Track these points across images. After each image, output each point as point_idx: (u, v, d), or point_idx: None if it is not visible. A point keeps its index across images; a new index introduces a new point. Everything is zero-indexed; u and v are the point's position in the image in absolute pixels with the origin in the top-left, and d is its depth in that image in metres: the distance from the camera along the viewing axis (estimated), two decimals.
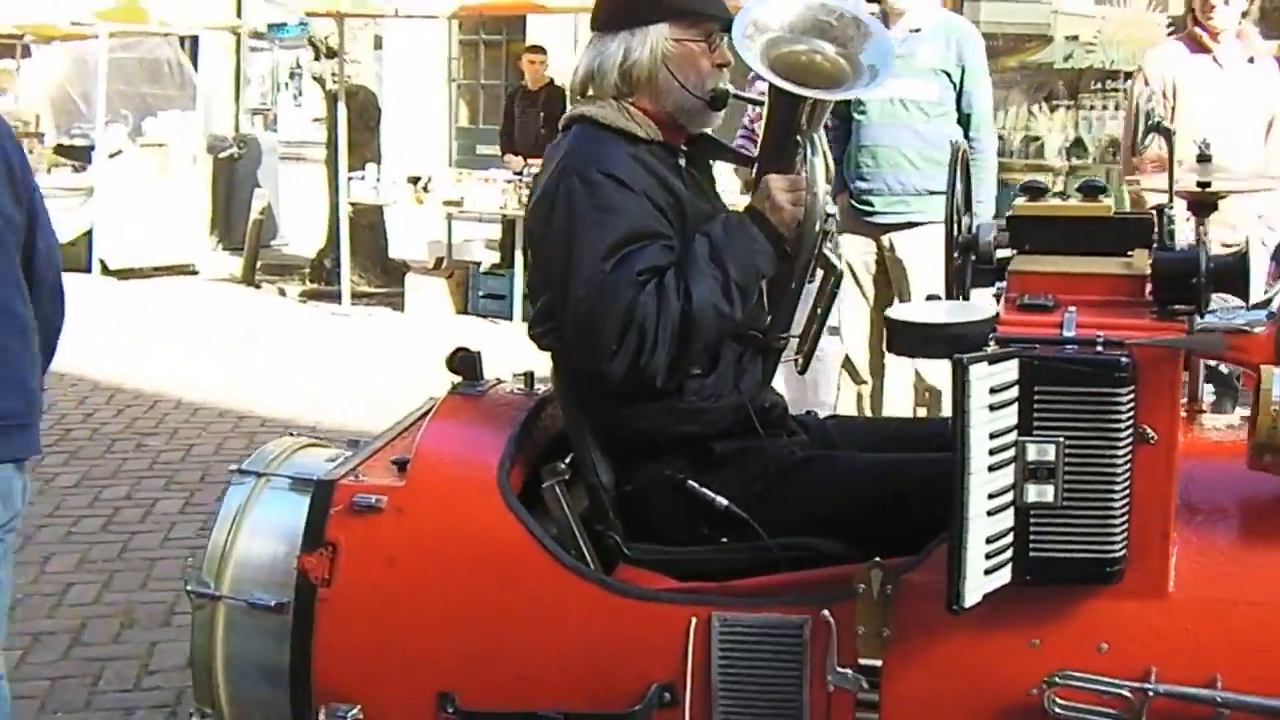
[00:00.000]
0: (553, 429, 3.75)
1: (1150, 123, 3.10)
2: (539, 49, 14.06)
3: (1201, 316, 3.06)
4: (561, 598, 3.35)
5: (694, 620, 3.27)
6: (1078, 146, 11.54)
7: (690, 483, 3.42)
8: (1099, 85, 11.98)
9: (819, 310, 3.67)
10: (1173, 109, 6.51)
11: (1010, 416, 2.96)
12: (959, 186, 3.50)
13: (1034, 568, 3.03)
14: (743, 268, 3.39)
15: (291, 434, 4.05)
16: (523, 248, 4.21)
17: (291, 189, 18.80)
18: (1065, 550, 3.02)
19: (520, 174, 13.13)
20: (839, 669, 3.16)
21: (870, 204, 6.95)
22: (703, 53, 3.58)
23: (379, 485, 3.49)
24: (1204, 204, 3.50)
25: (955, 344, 3.00)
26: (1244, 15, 6.90)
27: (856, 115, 6.97)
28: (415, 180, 14.51)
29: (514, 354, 4.04)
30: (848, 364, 7.24)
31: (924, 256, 6.51)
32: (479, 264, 14.57)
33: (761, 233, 3.44)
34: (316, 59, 16.30)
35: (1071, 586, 3.09)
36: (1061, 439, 2.97)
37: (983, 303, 3.13)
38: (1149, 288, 3.16)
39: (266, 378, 10.87)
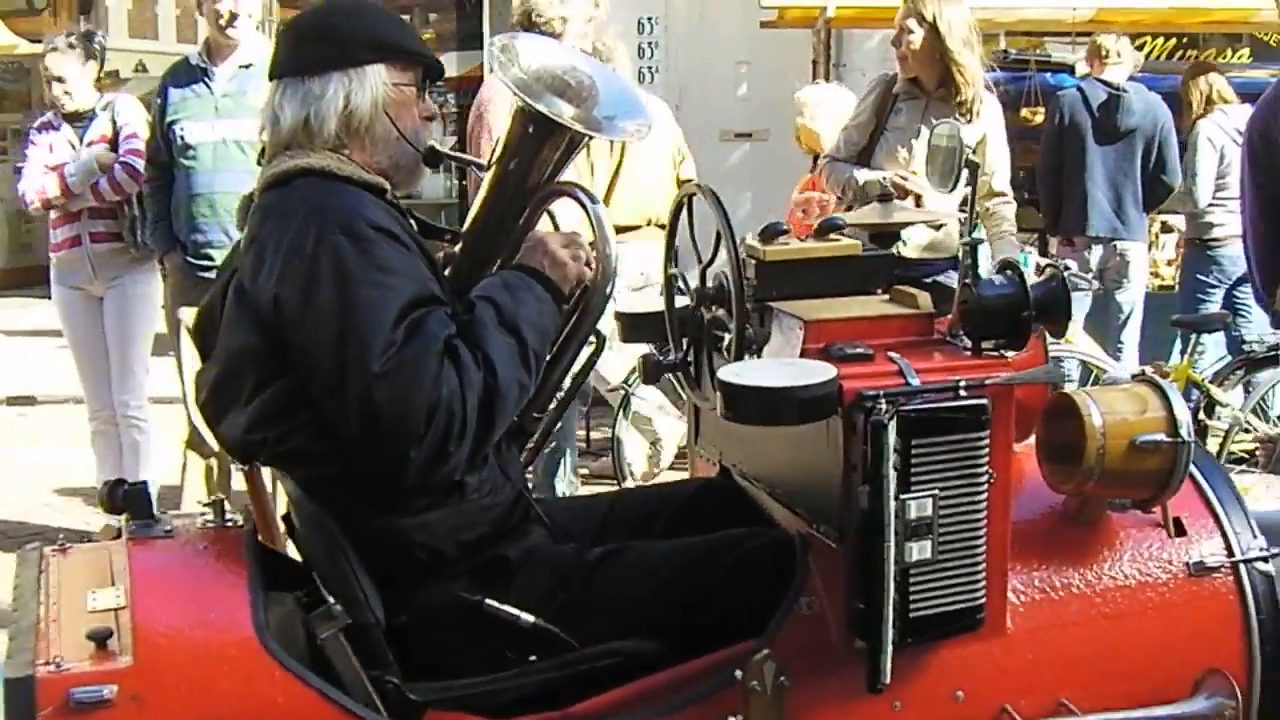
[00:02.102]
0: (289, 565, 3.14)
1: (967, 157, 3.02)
2: None
3: (1017, 350, 3.04)
4: None
5: None
6: None
7: (489, 602, 2.96)
8: None
9: (575, 386, 3.31)
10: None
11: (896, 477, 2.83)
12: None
13: (914, 628, 2.92)
14: (537, 331, 2.98)
15: None
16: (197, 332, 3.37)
17: None
18: (940, 605, 2.94)
19: None
20: None
21: (210, 257, 6.39)
22: (415, 100, 3.14)
23: (98, 672, 2.72)
24: (885, 235, 3.49)
25: (809, 408, 2.82)
26: None
27: (185, 161, 6.40)
28: None
29: None
30: (194, 436, 6.64)
31: None
32: None
33: (546, 292, 3.05)
34: None
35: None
36: (937, 491, 2.86)
37: (812, 362, 2.93)
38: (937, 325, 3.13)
39: None
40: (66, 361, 7.61)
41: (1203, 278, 8.70)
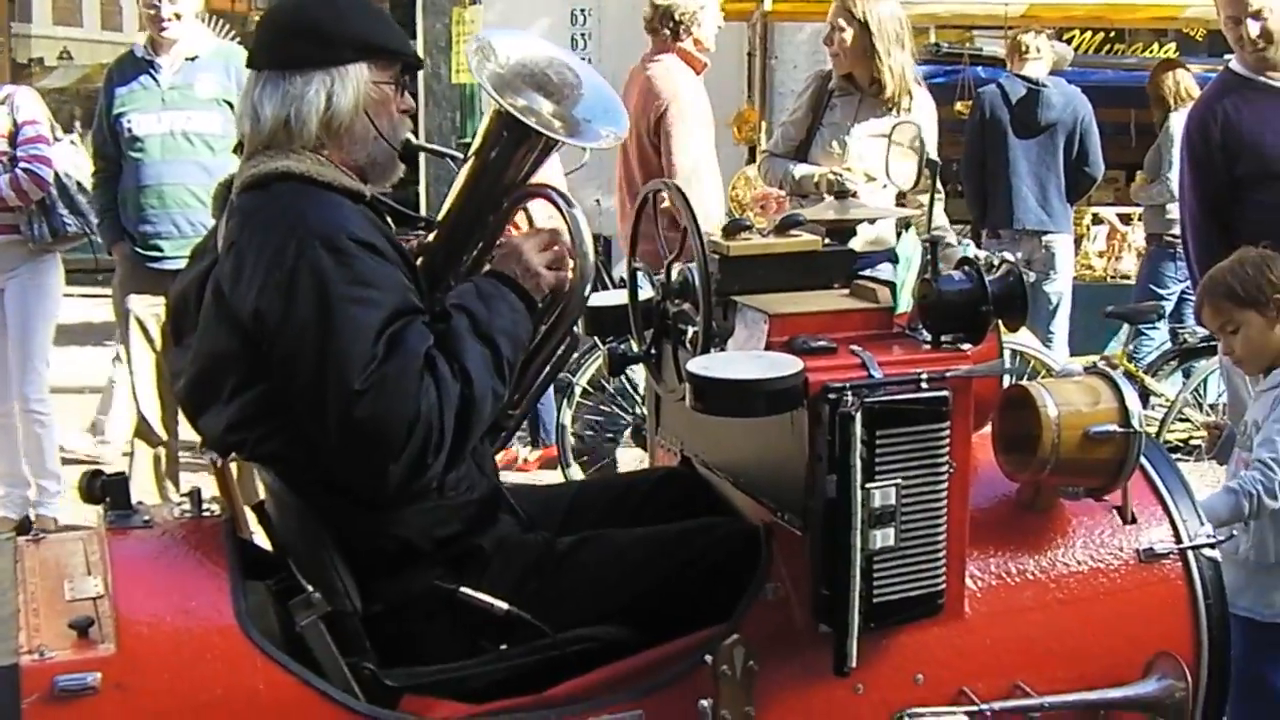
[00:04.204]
0: (258, 554, 3.18)
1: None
2: None
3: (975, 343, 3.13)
4: None
5: None
6: None
7: (463, 590, 3.02)
8: None
9: (546, 380, 3.37)
10: None
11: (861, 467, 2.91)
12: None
13: (877, 613, 3.00)
14: (511, 341, 3.01)
15: None
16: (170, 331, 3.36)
17: None
18: (902, 591, 3.02)
19: None
20: None
21: (159, 248, 6.42)
22: (394, 97, 3.16)
23: (82, 660, 2.76)
24: (842, 230, 3.57)
25: (777, 400, 2.90)
26: None
27: (133, 154, 6.43)
28: None
29: None
30: (141, 425, 6.66)
31: None
32: None
33: (520, 300, 3.09)
34: None
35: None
36: (899, 480, 2.95)
37: (779, 355, 3.01)
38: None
39: None
40: None
41: (1162, 271, 8.87)
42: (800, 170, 6.49)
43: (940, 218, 6.63)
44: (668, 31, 6.64)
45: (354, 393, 2.79)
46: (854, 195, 5.50)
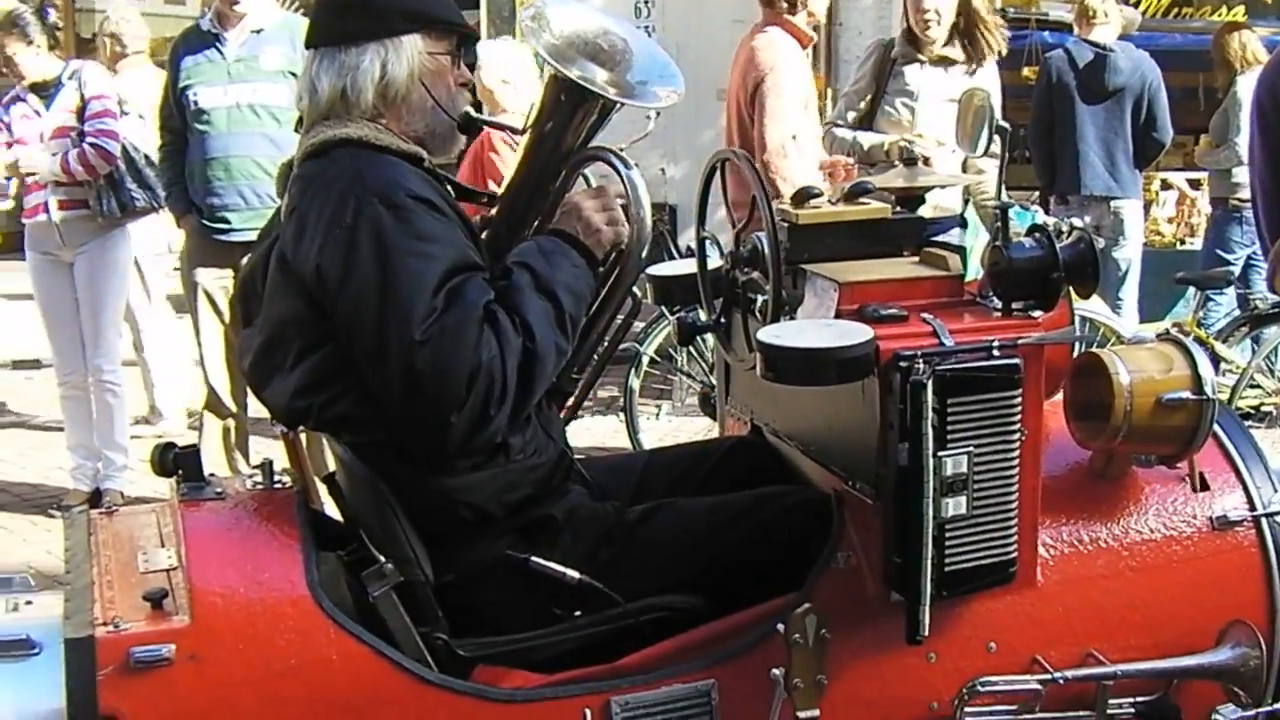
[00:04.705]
0: (329, 525, 3.20)
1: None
2: None
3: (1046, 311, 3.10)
4: None
5: (588, 712, 2.93)
6: None
7: (535, 559, 3.03)
8: None
9: (612, 346, 3.37)
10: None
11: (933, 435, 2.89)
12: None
13: (949, 582, 2.98)
14: (574, 297, 3.02)
15: None
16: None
17: None
18: (974, 559, 3.00)
19: None
20: None
21: (227, 220, 6.46)
22: (450, 68, 3.18)
23: (156, 631, 2.78)
24: (911, 198, 3.55)
25: (847, 368, 2.89)
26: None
27: (199, 126, 6.47)
28: None
29: None
30: (211, 398, 6.72)
31: None
32: None
33: (581, 257, 3.10)
34: None
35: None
36: (971, 449, 2.93)
37: (849, 323, 2.99)
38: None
39: None
40: None
41: (1228, 236, 8.79)
42: (868, 140, 6.47)
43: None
44: (785, 3, 6.61)
45: (415, 343, 2.80)
46: (926, 162, 5.52)
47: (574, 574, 3.04)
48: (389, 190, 2.92)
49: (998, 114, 3.10)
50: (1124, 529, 3.29)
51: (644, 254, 3.21)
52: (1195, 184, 10.20)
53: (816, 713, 2.97)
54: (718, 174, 3.35)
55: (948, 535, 2.95)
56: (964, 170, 5.75)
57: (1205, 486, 3.35)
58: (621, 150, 3.23)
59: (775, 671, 2.94)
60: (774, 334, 2.96)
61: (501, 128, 3.59)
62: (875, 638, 3.06)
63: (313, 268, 2.94)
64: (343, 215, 2.90)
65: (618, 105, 3.23)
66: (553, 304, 2.98)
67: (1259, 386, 7.84)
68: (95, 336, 7.18)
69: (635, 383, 7.59)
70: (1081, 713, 3.18)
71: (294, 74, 6.40)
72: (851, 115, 6.66)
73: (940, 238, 6.12)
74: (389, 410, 2.92)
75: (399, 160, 3.04)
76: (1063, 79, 8.55)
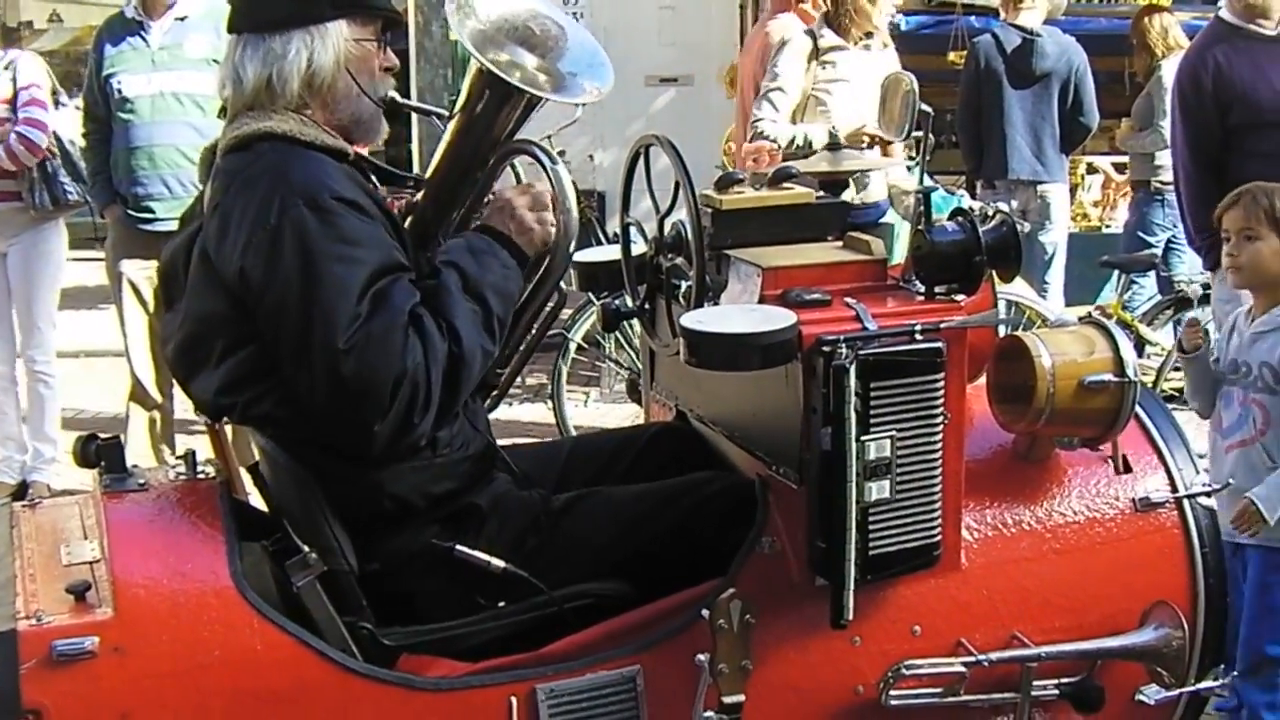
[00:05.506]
0: (254, 515, 3.18)
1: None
2: None
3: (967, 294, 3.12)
4: (358, 710, 2.87)
5: (514, 700, 2.93)
6: None
7: (460, 548, 3.02)
8: None
9: (538, 336, 3.36)
10: None
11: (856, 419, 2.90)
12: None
13: (873, 566, 3.00)
14: (502, 299, 3.01)
15: None
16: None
17: None
18: (898, 543, 3.02)
19: None
20: (704, 714, 2.95)
21: (151, 210, 6.39)
22: (376, 54, 3.15)
23: (80, 624, 2.76)
24: (835, 183, 3.56)
25: (771, 353, 2.90)
26: None
27: (123, 115, 6.39)
28: None
29: None
30: (136, 389, 6.66)
31: None
32: None
33: (512, 257, 3.08)
34: None
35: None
36: (894, 433, 2.95)
37: (772, 308, 3.00)
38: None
39: None
40: None
41: (1149, 219, 8.85)
42: (809, 131, 6.50)
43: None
44: None
45: (339, 351, 2.79)
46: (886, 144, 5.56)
47: (499, 562, 3.03)
48: (314, 191, 2.88)
49: (919, 99, 3.12)
50: (1047, 511, 3.31)
51: (570, 249, 3.20)
52: (1121, 168, 10.25)
53: (742, 698, 2.98)
54: (642, 159, 3.34)
55: (871, 519, 2.97)
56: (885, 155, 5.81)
57: (1128, 468, 3.39)
58: (549, 137, 3.21)
59: (700, 657, 2.95)
60: (697, 319, 2.96)
61: (428, 113, 3.57)
62: (800, 622, 3.07)
63: (236, 269, 2.90)
64: (266, 216, 2.87)
65: (543, 101, 3.21)
66: (480, 306, 2.97)
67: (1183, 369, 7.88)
68: (28, 328, 7.09)
69: (563, 369, 7.58)
70: (1006, 694, 3.20)
71: (219, 62, 6.34)
72: (781, 111, 6.67)
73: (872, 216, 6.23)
74: (313, 413, 2.90)
75: (324, 156, 3.00)
76: (991, 64, 8.57)
